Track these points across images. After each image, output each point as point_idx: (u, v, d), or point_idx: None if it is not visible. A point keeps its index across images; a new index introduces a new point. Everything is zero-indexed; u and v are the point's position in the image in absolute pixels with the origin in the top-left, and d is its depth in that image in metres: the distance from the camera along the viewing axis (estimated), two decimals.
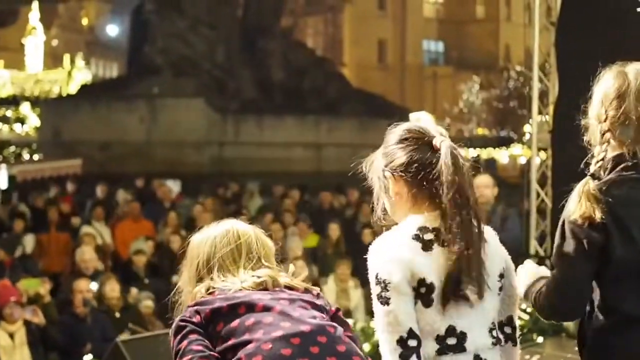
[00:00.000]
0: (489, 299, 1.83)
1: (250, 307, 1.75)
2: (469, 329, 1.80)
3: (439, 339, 1.79)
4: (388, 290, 1.76)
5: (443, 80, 43.99)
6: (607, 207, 1.85)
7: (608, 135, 1.91)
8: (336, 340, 1.74)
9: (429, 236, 1.80)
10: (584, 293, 1.92)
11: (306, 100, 19.26)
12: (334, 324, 1.80)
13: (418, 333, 1.76)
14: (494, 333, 1.86)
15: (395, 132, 1.90)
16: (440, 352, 1.79)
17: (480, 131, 38.06)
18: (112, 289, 5.84)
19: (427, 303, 1.77)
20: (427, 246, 1.79)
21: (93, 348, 5.19)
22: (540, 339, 4.64)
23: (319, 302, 1.85)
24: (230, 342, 1.71)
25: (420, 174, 1.82)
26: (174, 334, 1.78)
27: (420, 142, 1.86)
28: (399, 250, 1.78)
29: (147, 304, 6.02)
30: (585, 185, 1.89)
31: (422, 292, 1.77)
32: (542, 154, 6.45)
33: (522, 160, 22.00)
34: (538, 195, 6.24)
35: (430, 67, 46.24)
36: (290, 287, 1.85)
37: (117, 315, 5.73)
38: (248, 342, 1.69)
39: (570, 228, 1.90)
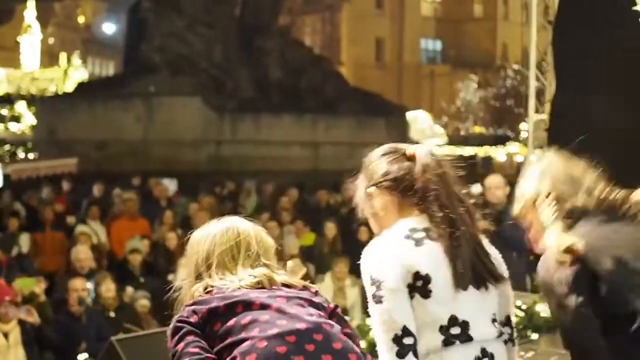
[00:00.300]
0: (489, 289, 1.88)
1: (247, 305, 1.76)
2: (471, 318, 1.82)
3: (443, 330, 1.80)
4: (382, 289, 1.78)
5: (440, 79, 44.00)
6: (585, 242, 1.97)
7: (551, 197, 2.13)
8: (332, 338, 1.74)
9: (419, 234, 1.85)
10: (593, 326, 1.95)
11: (303, 98, 19.28)
12: (331, 321, 1.80)
13: (413, 331, 1.78)
14: (496, 325, 1.89)
15: (371, 154, 1.99)
16: (446, 343, 1.80)
17: (477, 129, 38.09)
18: (108, 288, 5.84)
19: (425, 294, 1.79)
20: (419, 242, 1.84)
21: (88, 347, 5.18)
22: (535, 336, 4.68)
23: (316, 299, 1.85)
24: (227, 341, 1.71)
25: (402, 182, 1.89)
26: (171, 335, 1.77)
27: (397, 154, 1.94)
28: (392, 249, 1.82)
29: (143, 303, 6.02)
30: (556, 227, 2.06)
31: (418, 285, 1.79)
32: (539, 152, 6.47)
33: (519, 159, 22.01)
34: None
35: (427, 66, 46.26)
36: (287, 285, 1.86)
37: (113, 314, 5.72)
38: (244, 340, 1.69)
39: (547, 289, 2.01)
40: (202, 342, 1.73)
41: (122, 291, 6.31)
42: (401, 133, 19.27)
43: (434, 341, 1.80)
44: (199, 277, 1.88)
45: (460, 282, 1.81)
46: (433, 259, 1.81)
